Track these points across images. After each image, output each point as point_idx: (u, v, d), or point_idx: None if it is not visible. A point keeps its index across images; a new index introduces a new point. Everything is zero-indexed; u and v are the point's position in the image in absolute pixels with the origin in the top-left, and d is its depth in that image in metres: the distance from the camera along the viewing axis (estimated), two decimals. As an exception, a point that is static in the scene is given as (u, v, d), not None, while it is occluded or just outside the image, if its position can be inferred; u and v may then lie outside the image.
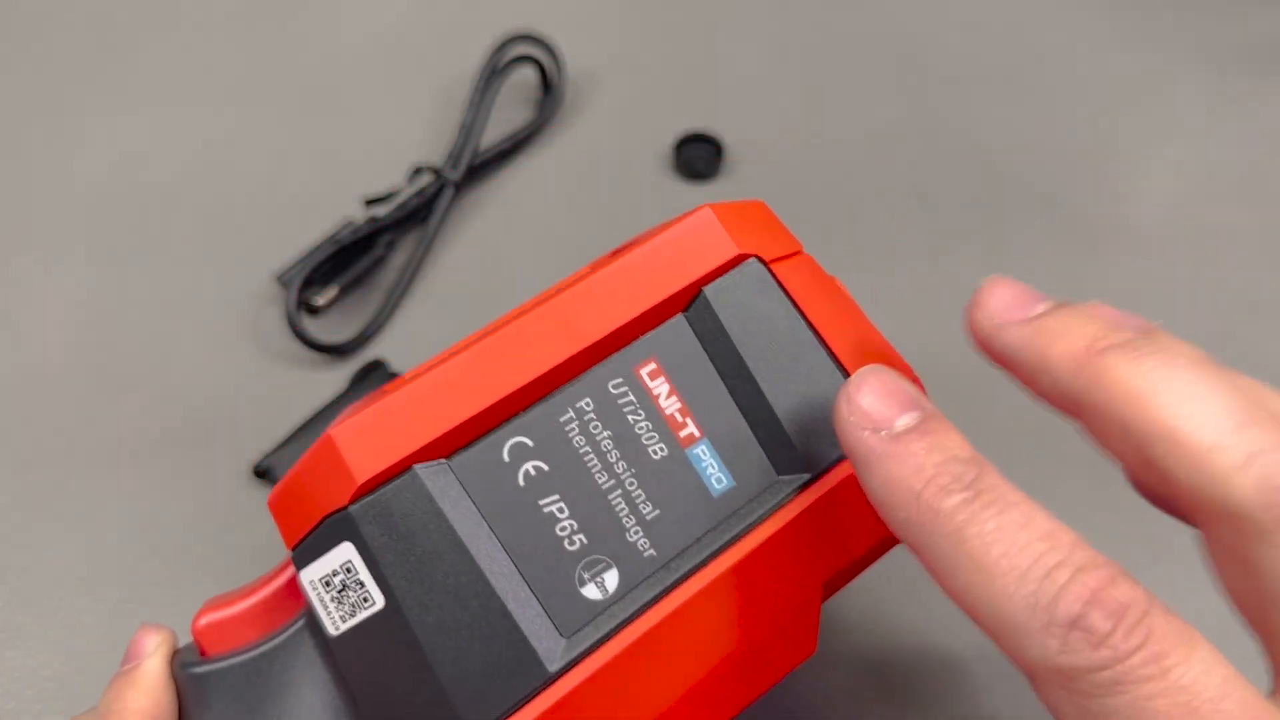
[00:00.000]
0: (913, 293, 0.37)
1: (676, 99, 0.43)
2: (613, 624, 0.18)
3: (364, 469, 0.19)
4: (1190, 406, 0.15)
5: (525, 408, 0.20)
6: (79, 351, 0.35)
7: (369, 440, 0.19)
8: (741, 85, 0.44)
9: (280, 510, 0.21)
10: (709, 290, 0.20)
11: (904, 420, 0.17)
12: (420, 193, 0.38)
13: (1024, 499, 0.16)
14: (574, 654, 0.18)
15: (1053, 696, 0.15)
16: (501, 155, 0.40)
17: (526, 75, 0.44)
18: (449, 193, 0.38)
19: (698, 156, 0.40)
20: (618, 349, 0.20)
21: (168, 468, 0.32)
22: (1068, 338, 0.17)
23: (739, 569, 0.19)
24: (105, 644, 0.29)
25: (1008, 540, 0.15)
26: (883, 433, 0.17)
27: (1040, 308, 0.18)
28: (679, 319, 0.21)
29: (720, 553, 0.19)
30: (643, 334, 0.20)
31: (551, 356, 0.20)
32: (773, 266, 0.21)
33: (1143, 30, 0.46)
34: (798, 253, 0.22)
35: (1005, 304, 0.18)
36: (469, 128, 0.39)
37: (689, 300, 0.21)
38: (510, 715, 0.18)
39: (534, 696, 0.18)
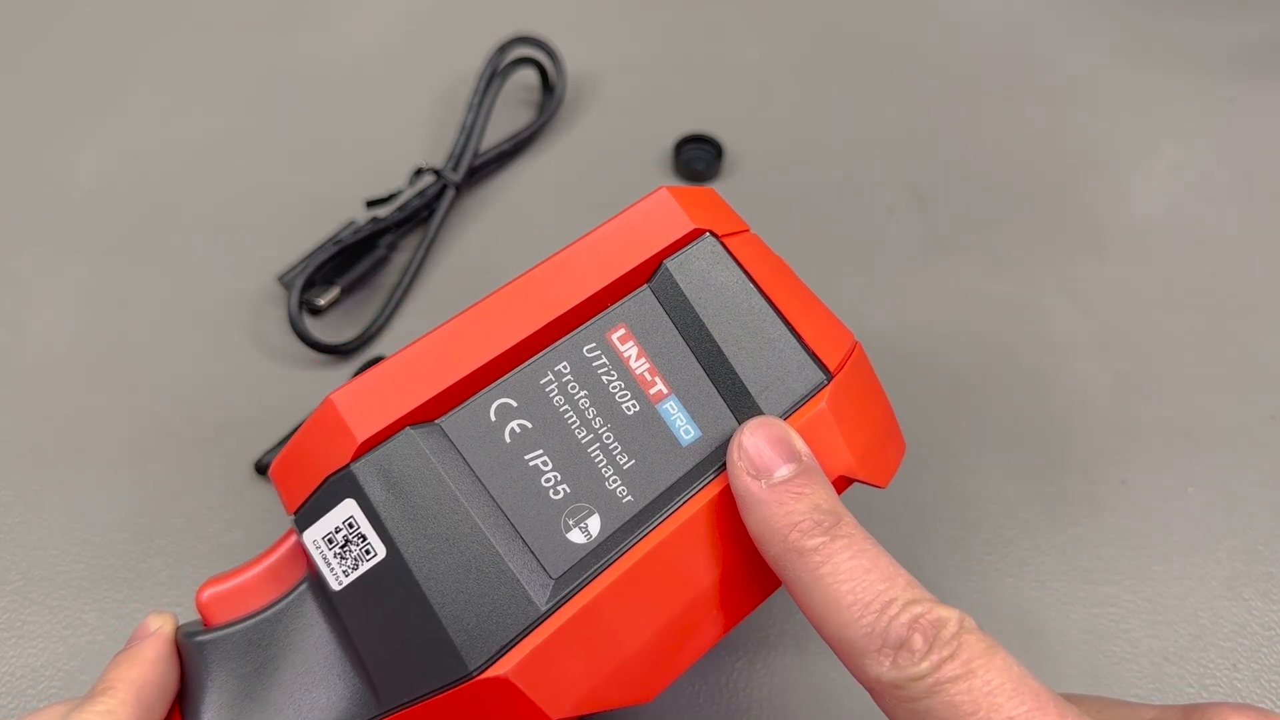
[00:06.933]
0: (912, 293, 0.37)
1: (676, 100, 0.43)
2: (597, 564, 0.21)
3: (363, 429, 0.21)
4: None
5: (508, 372, 0.22)
6: (82, 351, 0.35)
7: (367, 402, 0.21)
8: (741, 85, 0.44)
9: (282, 477, 0.23)
10: (669, 263, 0.23)
11: (782, 471, 0.21)
12: (421, 194, 0.38)
13: (873, 545, 0.20)
14: (562, 593, 0.20)
15: (887, 704, 0.19)
16: (502, 156, 0.41)
17: (527, 77, 0.44)
18: (450, 194, 0.38)
19: (698, 157, 0.40)
20: (590, 318, 0.23)
21: (170, 467, 0.32)
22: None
23: (709, 510, 0.21)
24: (108, 643, 0.29)
25: (855, 579, 0.19)
26: (763, 480, 0.21)
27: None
28: (644, 289, 0.23)
29: (691, 496, 0.21)
30: (612, 304, 0.23)
31: (529, 324, 0.22)
32: (724, 241, 0.23)
33: (1140, 32, 0.46)
34: (745, 230, 0.25)
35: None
36: (470, 129, 0.39)
37: (652, 272, 0.23)
38: (507, 651, 0.20)
39: (528, 633, 0.20)
